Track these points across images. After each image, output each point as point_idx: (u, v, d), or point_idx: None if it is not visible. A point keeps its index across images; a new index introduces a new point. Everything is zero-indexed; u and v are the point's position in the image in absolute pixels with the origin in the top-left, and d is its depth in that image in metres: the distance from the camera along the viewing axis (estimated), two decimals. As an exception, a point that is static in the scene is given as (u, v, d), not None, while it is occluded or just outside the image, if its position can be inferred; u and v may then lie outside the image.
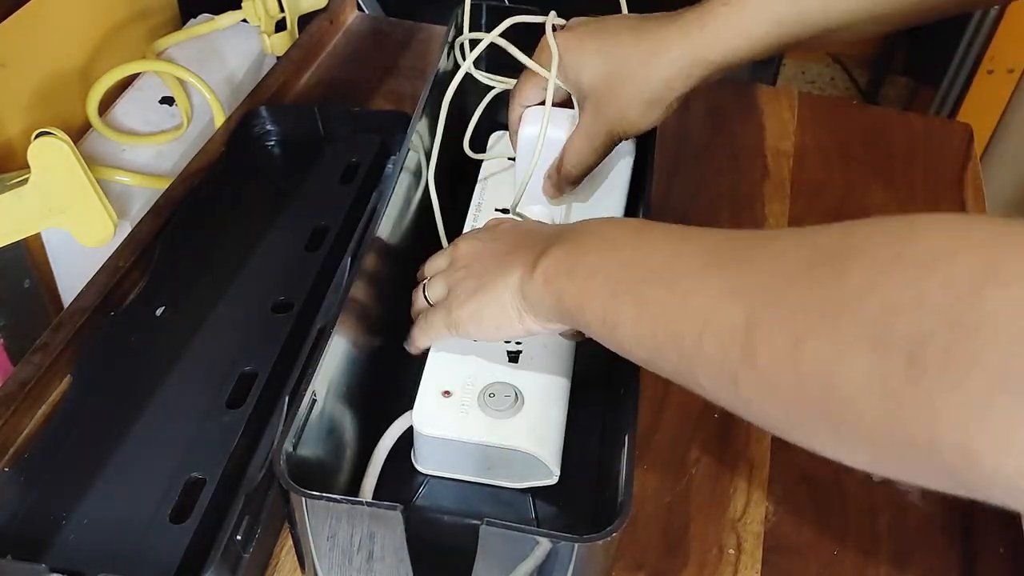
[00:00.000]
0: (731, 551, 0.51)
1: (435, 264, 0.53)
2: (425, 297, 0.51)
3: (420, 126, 0.58)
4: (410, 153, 0.56)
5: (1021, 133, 1.44)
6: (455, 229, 0.59)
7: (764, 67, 1.09)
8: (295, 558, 0.50)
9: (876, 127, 0.82)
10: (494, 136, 0.66)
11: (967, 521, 0.53)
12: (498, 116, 0.65)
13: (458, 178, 0.66)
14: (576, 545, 0.38)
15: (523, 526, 0.39)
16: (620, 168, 0.57)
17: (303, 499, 0.39)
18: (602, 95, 0.53)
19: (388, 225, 0.53)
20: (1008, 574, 0.51)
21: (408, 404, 0.50)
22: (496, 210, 0.60)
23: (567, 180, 0.56)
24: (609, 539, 0.38)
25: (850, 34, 0.50)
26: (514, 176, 0.59)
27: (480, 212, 0.60)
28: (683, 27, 0.50)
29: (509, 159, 0.65)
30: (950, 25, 1.48)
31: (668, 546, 0.51)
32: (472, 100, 0.66)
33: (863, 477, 0.55)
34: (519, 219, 0.56)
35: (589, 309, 0.40)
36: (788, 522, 0.53)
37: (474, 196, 0.62)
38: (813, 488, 0.54)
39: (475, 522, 0.38)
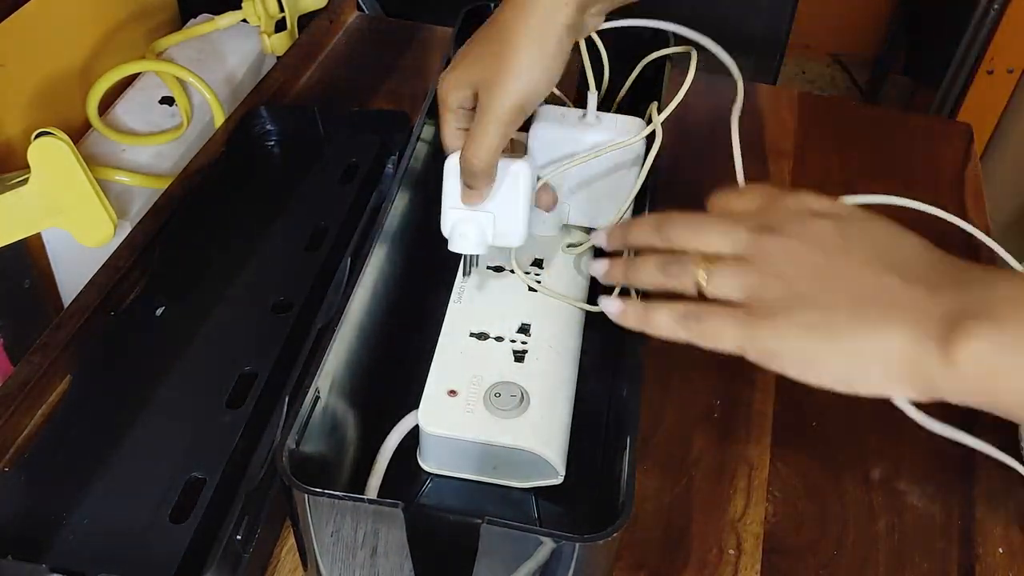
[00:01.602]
0: (731, 551, 0.51)
1: (711, 230, 0.40)
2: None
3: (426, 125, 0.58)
4: (415, 150, 0.56)
5: (1021, 133, 1.44)
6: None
7: (764, 67, 1.09)
8: (295, 557, 0.50)
9: (876, 127, 0.82)
10: None
11: (966, 522, 0.53)
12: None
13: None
14: (577, 545, 0.38)
15: (523, 525, 0.39)
16: (629, 171, 0.57)
17: (306, 496, 0.39)
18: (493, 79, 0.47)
19: (393, 222, 0.53)
20: None
21: (412, 402, 0.50)
22: None
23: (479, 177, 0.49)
24: (610, 539, 0.38)
25: None
26: None
27: None
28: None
29: None
30: (950, 25, 1.48)
31: (668, 546, 0.51)
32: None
33: (863, 477, 0.55)
34: (863, 212, 0.40)
35: None
36: (788, 522, 0.53)
37: None
38: (813, 488, 0.54)
39: (476, 521, 0.39)
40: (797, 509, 0.53)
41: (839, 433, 0.57)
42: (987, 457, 0.56)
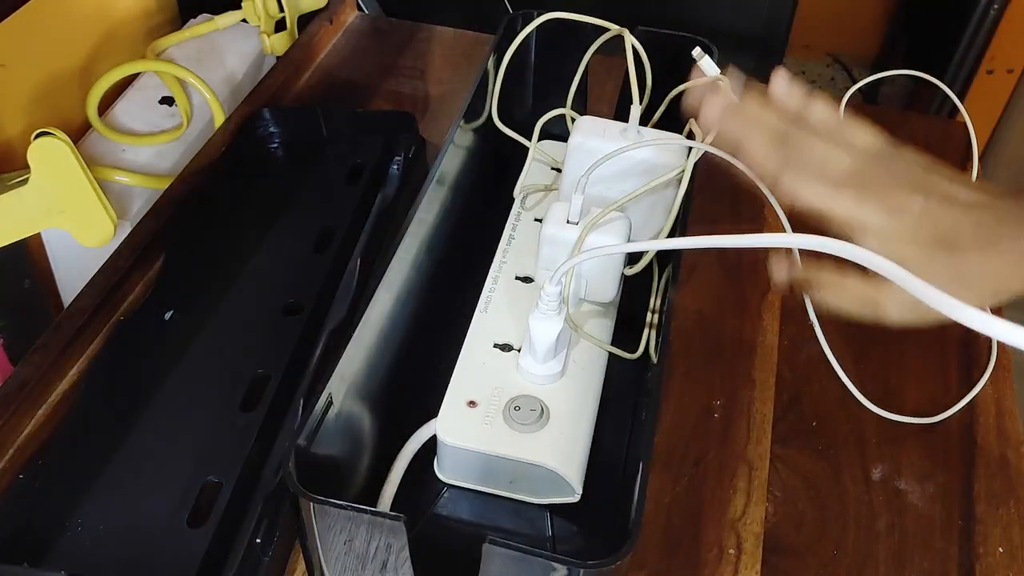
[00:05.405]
0: (731, 551, 0.51)
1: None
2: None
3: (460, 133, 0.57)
4: (447, 155, 0.55)
5: (1021, 133, 1.45)
6: (492, 239, 0.58)
7: (764, 67, 1.09)
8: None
9: (876, 127, 0.81)
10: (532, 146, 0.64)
11: (967, 522, 0.53)
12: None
13: (496, 187, 0.65)
14: (581, 571, 0.37)
15: (526, 547, 0.37)
16: (665, 187, 0.55)
17: (311, 504, 0.39)
18: None
19: (421, 227, 0.52)
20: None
21: (432, 411, 0.49)
22: (535, 220, 0.60)
23: None
24: (614, 566, 0.37)
25: None
26: (560, 186, 0.58)
27: (519, 221, 0.60)
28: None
29: (554, 169, 0.64)
30: (950, 25, 1.48)
31: (668, 546, 0.51)
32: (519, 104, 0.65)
33: (863, 477, 0.55)
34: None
35: None
36: (788, 522, 0.53)
37: (514, 206, 0.61)
38: (813, 488, 0.54)
39: (479, 539, 0.37)
40: (797, 509, 0.53)
41: (839, 433, 0.57)
42: (987, 457, 0.57)
